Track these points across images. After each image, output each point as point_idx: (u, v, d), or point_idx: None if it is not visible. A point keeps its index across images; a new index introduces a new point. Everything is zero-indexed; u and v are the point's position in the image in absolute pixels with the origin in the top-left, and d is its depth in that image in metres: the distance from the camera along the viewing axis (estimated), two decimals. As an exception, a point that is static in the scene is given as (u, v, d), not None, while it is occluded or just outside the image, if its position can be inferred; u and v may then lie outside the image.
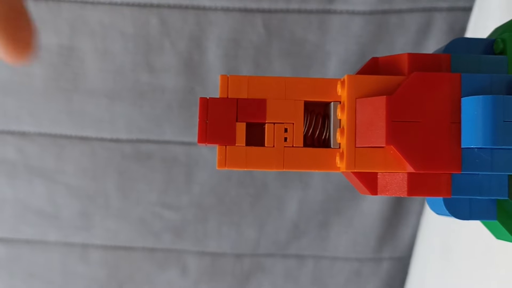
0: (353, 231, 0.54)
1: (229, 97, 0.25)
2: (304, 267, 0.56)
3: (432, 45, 0.50)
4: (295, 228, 0.55)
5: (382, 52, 0.50)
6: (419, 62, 0.23)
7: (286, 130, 0.24)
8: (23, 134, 0.53)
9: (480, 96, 0.22)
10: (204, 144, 0.25)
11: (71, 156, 0.54)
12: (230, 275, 0.56)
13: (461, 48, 0.25)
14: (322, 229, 0.55)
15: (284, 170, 0.24)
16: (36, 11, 0.51)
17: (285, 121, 0.24)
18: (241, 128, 0.24)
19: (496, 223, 0.24)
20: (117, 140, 0.53)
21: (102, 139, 0.53)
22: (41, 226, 0.55)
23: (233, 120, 0.24)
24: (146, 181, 0.54)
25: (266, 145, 0.24)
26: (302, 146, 0.24)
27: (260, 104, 0.24)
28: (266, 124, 0.24)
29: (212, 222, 0.55)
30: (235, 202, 0.54)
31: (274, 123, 0.24)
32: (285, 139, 0.24)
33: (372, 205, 0.54)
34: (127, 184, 0.54)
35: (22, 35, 0.20)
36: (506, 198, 0.23)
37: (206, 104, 0.25)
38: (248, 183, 0.54)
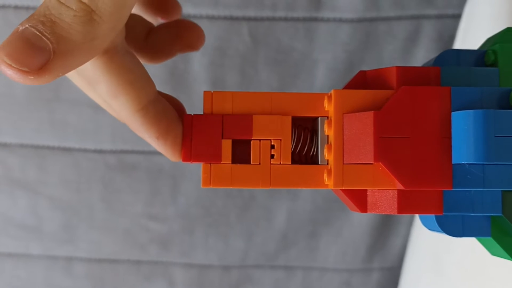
0: (342, 241, 0.54)
1: (213, 113, 0.24)
2: (293, 278, 0.55)
3: (421, 53, 0.49)
4: (284, 239, 0.54)
5: (370, 59, 0.50)
6: (408, 75, 0.22)
7: (273, 146, 0.23)
8: (4, 145, 0.52)
9: (471, 111, 0.21)
10: (189, 162, 0.24)
11: (53, 168, 0.52)
12: (218, 287, 0.55)
13: (451, 60, 0.24)
14: (311, 240, 0.54)
15: (271, 187, 0.23)
16: (16, 19, 0.50)
17: (272, 138, 0.23)
18: (227, 145, 0.23)
19: (490, 239, 0.23)
20: (101, 151, 0.52)
21: (85, 150, 0.52)
22: (24, 239, 0.54)
23: (219, 137, 0.23)
24: (131, 192, 0.53)
25: (252, 163, 0.23)
26: (290, 163, 0.23)
27: (246, 120, 0.23)
28: (252, 141, 0.23)
29: (198, 233, 0.54)
30: (222, 213, 0.53)
31: (260, 140, 0.23)
32: (272, 156, 0.23)
33: (362, 215, 0.53)
34: (112, 196, 0.53)
35: (178, 139, 0.24)
36: (500, 214, 0.22)
37: (191, 121, 0.24)
38: (235, 193, 0.53)
